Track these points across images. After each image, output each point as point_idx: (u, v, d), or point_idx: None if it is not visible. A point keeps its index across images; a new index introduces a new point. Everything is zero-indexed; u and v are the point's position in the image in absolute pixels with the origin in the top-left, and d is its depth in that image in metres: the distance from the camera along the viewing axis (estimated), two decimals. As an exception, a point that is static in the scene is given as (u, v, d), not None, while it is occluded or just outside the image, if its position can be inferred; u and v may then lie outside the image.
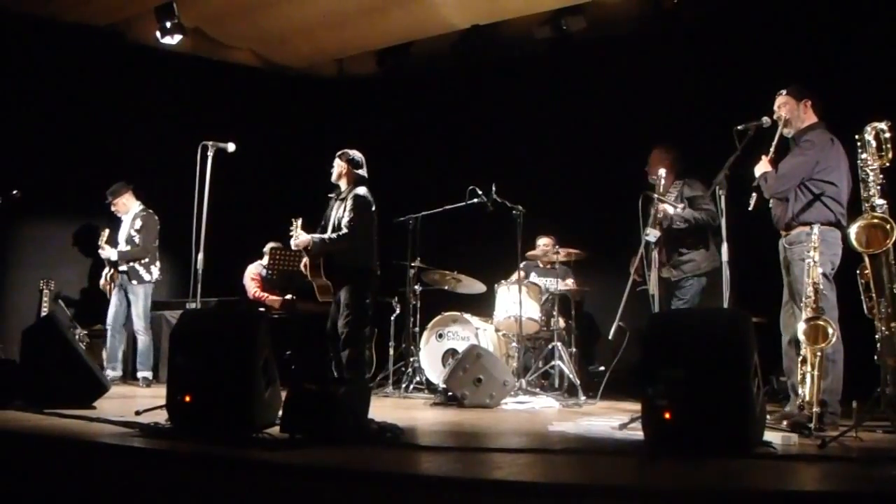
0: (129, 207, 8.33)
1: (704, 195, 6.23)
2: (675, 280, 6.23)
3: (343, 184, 6.92)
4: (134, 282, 8.10)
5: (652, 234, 5.98)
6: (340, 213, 6.74)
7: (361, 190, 6.83)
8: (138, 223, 8.19)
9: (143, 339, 8.13)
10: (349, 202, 6.76)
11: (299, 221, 6.74)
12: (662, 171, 6.11)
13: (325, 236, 6.68)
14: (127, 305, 8.12)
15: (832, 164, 5.08)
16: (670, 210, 6.12)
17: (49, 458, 3.88)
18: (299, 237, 6.64)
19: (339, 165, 6.91)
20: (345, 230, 6.65)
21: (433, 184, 9.83)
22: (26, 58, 8.66)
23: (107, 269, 8.21)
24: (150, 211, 8.34)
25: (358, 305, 6.68)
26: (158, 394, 5.01)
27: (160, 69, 9.61)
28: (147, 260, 8.18)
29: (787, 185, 5.13)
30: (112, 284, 8.17)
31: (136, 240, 8.13)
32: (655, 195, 6.05)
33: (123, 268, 8.08)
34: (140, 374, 8.08)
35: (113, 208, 8.32)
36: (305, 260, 6.89)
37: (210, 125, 8.70)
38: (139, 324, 8.12)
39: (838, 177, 5.07)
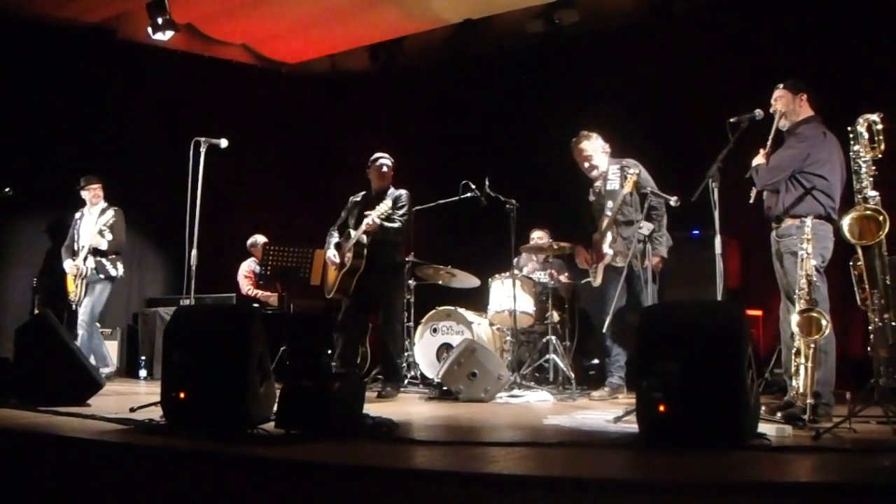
0: (99, 199, 8.14)
1: (648, 178, 6.24)
2: (635, 270, 6.20)
3: (383, 184, 6.97)
4: (101, 276, 7.86)
5: (646, 227, 5.99)
6: (385, 209, 6.72)
7: (405, 191, 6.95)
8: (110, 217, 7.94)
9: (82, 335, 7.73)
10: (396, 200, 6.80)
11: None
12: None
13: (388, 225, 6.68)
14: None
15: (823, 157, 5.08)
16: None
17: (44, 455, 3.88)
18: (375, 219, 6.58)
19: (383, 168, 6.96)
20: (399, 224, 6.75)
21: (426, 178, 9.83)
22: (16, 55, 8.63)
23: (78, 266, 7.90)
24: (118, 209, 8.09)
25: (401, 303, 7.01)
26: (153, 390, 5.00)
27: (152, 66, 9.60)
28: (114, 256, 7.97)
29: (776, 178, 5.14)
30: (80, 287, 7.93)
31: (108, 234, 7.89)
32: (651, 194, 6.05)
33: (91, 263, 7.85)
34: None
35: (90, 194, 8.10)
36: (334, 251, 6.81)
37: (202, 121, 8.72)
38: (84, 317, 7.79)
39: (829, 170, 5.07)
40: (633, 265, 5.99)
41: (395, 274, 6.98)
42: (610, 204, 6.11)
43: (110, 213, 7.97)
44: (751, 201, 5.29)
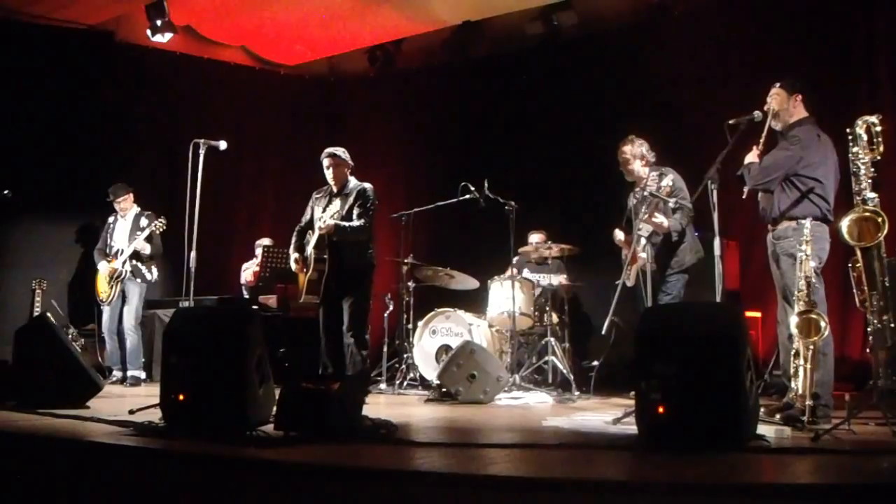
0: (131, 207, 8.26)
1: (682, 188, 6.25)
2: (661, 275, 6.24)
3: (338, 180, 6.85)
4: (137, 279, 8.06)
5: (644, 230, 5.99)
6: (342, 207, 6.64)
7: (368, 185, 6.83)
8: (144, 223, 8.10)
9: (133, 338, 8.02)
10: (357, 196, 6.72)
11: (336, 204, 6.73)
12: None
13: (346, 224, 6.60)
14: (121, 305, 8.09)
15: (817, 160, 5.08)
16: (666, 223, 6.10)
17: (43, 457, 3.87)
18: (328, 221, 6.54)
19: (336, 163, 6.84)
20: (363, 221, 6.65)
21: (425, 180, 9.85)
22: (15, 57, 8.61)
23: (115, 268, 8.05)
24: (151, 213, 8.24)
25: (365, 302, 6.78)
26: (152, 392, 5.00)
27: (151, 68, 9.61)
28: (151, 260, 8.16)
29: (768, 178, 5.15)
30: (114, 288, 8.08)
31: (144, 239, 8.03)
32: (649, 195, 6.06)
33: (129, 266, 8.01)
34: (130, 374, 7.97)
35: (120, 206, 8.20)
36: (295, 255, 6.85)
37: (201, 123, 8.72)
38: (130, 322, 8.02)
39: (823, 173, 5.08)
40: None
41: (361, 275, 6.76)
42: (644, 209, 6.13)
43: (143, 219, 8.14)
44: (744, 196, 5.29)
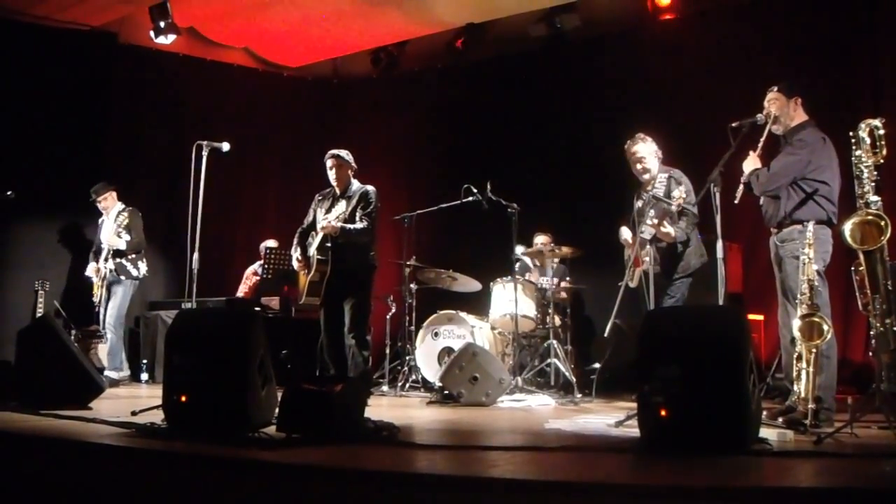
0: (113, 204, 8.27)
1: (690, 192, 6.23)
2: (665, 278, 6.23)
3: (341, 182, 6.85)
4: (122, 277, 8.02)
5: (647, 232, 5.98)
6: (346, 209, 6.63)
7: (371, 188, 6.82)
8: (123, 219, 8.06)
9: (110, 337, 7.98)
10: (360, 198, 6.72)
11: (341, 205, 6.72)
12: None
13: (349, 226, 6.58)
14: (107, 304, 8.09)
15: (824, 163, 5.08)
16: (673, 233, 6.08)
17: (45, 459, 3.87)
18: (332, 222, 6.52)
19: (340, 165, 6.82)
20: (366, 223, 6.63)
21: (428, 182, 9.85)
22: (18, 58, 8.63)
23: (98, 270, 8.10)
24: (133, 208, 8.24)
25: (367, 304, 6.77)
26: (154, 394, 5.00)
27: (154, 69, 9.62)
28: (134, 256, 8.11)
29: (778, 184, 5.14)
30: (101, 288, 8.09)
31: (125, 234, 8.02)
32: (651, 197, 6.06)
33: (111, 265, 7.99)
34: (105, 373, 7.80)
35: (102, 204, 8.27)
36: (298, 254, 6.85)
37: (204, 125, 8.72)
38: (109, 321, 7.99)
39: (830, 176, 5.08)
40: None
41: (363, 276, 6.75)
42: (652, 213, 6.10)
43: (125, 213, 8.12)
44: (736, 202, 5.27)
